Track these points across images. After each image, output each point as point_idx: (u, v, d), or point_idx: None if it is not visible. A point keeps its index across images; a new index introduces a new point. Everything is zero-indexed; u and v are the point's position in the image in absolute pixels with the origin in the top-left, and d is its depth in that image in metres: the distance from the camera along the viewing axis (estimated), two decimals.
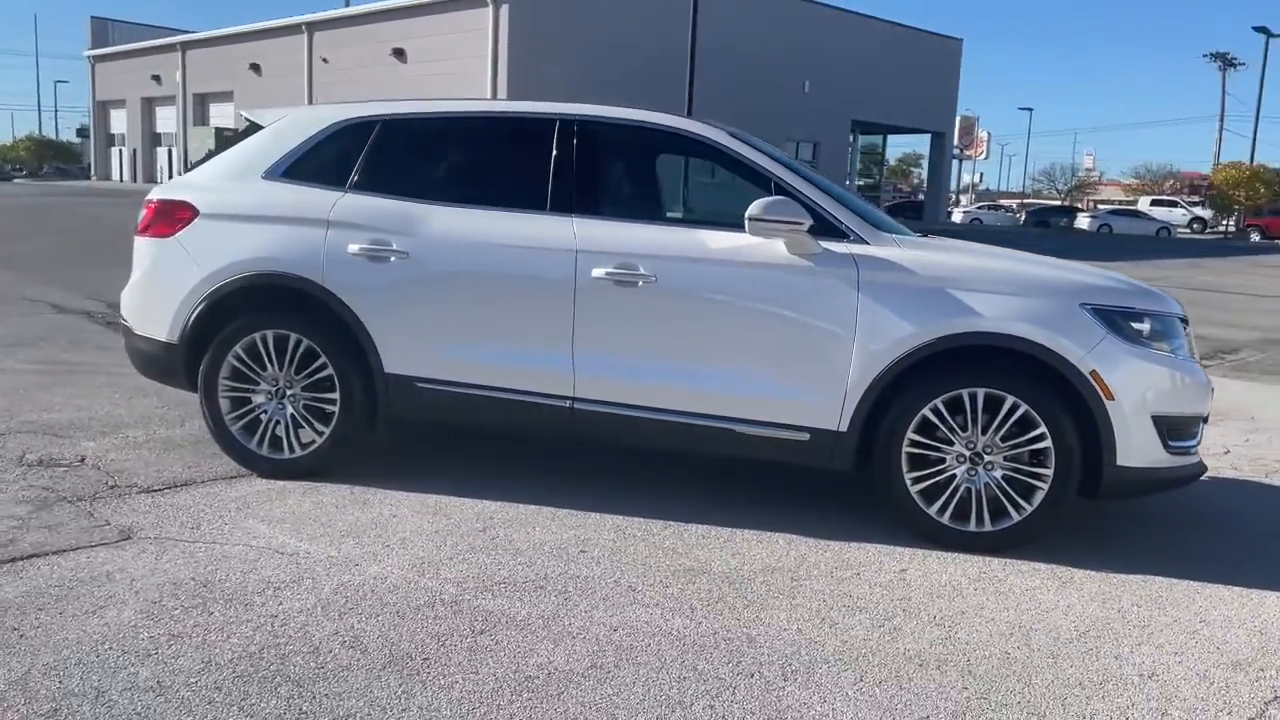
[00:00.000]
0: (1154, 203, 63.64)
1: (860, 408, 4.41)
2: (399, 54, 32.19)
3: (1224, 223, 59.21)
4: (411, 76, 31.54)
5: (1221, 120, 76.09)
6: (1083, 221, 55.01)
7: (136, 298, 5.16)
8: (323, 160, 5.01)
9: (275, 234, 4.88)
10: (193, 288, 4.91)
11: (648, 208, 5.07)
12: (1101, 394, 4.25)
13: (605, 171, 4.90)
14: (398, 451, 5.51)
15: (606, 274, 4.55)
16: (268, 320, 4.89)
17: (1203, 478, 4.73)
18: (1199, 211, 61.41)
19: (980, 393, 4.33)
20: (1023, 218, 59.37)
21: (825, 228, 4.49)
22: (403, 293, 4.76)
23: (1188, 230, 57.39)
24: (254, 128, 5.21)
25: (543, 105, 4.95)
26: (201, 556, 3.89)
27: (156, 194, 5.18)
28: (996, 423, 4.34)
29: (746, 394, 4.51)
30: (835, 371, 4.42)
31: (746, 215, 4.40)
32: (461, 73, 29.57)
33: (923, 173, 53.98)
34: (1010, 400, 4.30)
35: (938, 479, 4.42)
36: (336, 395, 4.84)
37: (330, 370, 4.82)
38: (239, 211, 4.96)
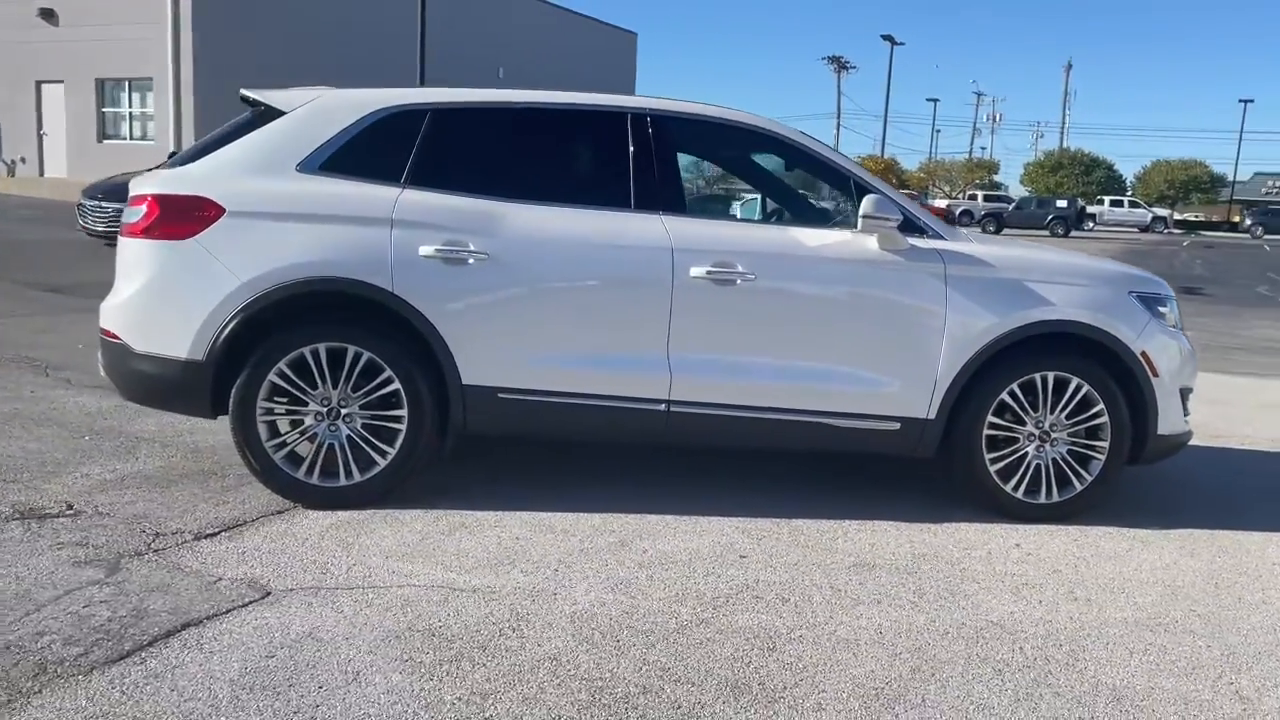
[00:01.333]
0: None
1: (948, 395, 4.65)
2: (48, 15, 28.30)
3: None
4: (66, 42, 27.91)
5: (838, 117, 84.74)
6: (736, 209, 59.13)
7: (137, 310, 4.37)
8: (368, 152, 4.49)
9: (329, 235, 4.33)
10: (226, 297, 4.25)
11: (729, 205, 5.00)
12: (1149, 372, 4.77)
13: (680, 168, 4.77)
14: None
15: (706, 273, 4.46)
16: (320, 332, 4.33)
17: None
18: None
19: (1050, 376, 4.71)
20: None
21: (907, 224, 4.67)
22: (484, 297, 4.39)
23: None
24: (271, 112, 4.56)
25: (609, 98, 4.74)
26: (380, 604, 3.43)
27: (153, 188, 4.40)
28: (1063, 402, 4.74)
29: (842, 388, 4.61)
30: (926, 362, 4.62)
31: (861, 213, 4.49)
32: (133, 39, 26.57)
33: None
34: (1075, 381, 4.72)
35: (1011, 458, 4.76)
36: (404, 412, 4.38)
37: (397, 385, 4.36)
38: (279, 209, 4.34)
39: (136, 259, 4.37)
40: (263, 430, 4.34)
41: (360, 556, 3.85)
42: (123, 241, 4.44)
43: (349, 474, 4.40)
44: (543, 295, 4.44)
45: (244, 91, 4.79)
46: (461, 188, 4.49)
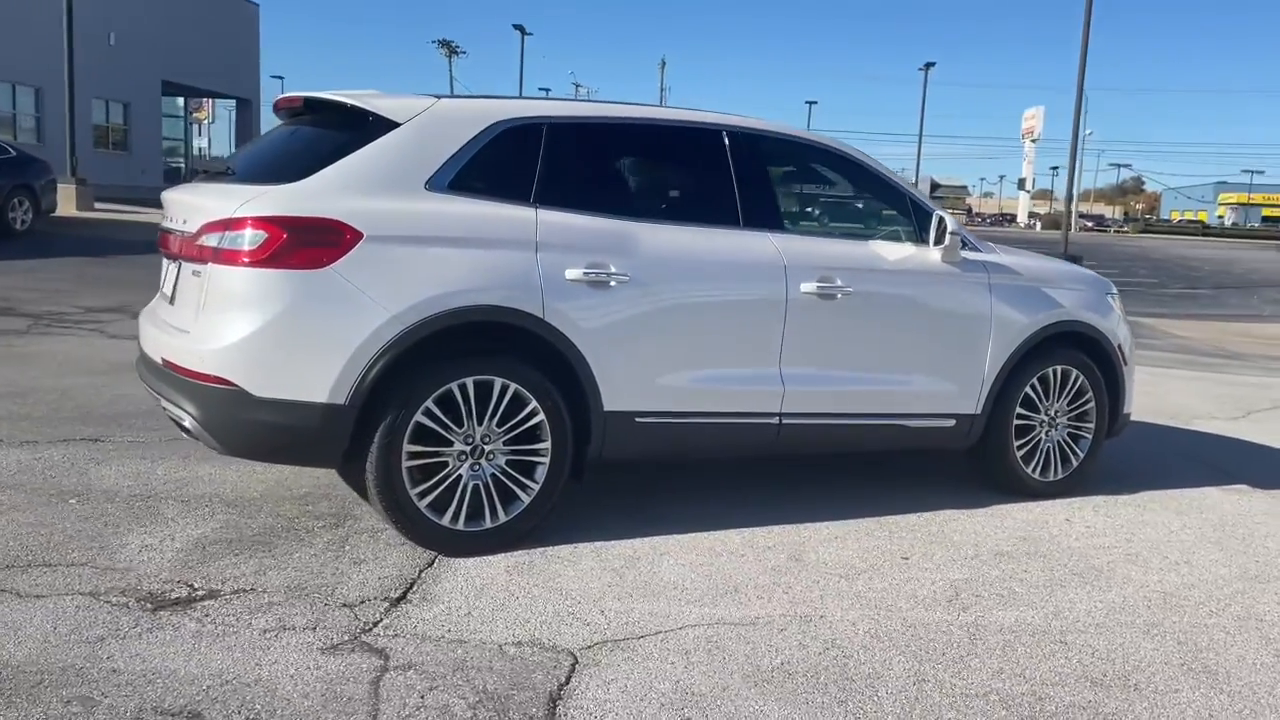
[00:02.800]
0: None
1: (991, 392, 5.17)
2: None
3: None
4: None
5: None
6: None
7: (261, 351, 3.74)
8: (492, 168, 4.16)
9: (478, 260, 3.99)
10: (373, 332, 3.79)
11: (816, 220, 5.14)
12: (1123, 361, 5.60)
13: (775, 185, 4.85)
14: None
15: (816, 288, 4.63)
16: (469, 365, 3.98)
17: None
18: None
19: (1059, 369, 5.39)
20: None
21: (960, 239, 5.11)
22: (626, 320, 4.25)
23: None
24: (380, 122, 4.06)
25: (709, 115, 4.72)
26: (696, 649, 3.30)
27: (270, 209, 3.77)
28: (1065, 391, 5.43)
29: (915, 390, 4.98)
30: (977, 362, 5.11)
31: (950, 230, 4.86)
32: None
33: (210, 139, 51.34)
34: (1075, 372, 5.43)
35: (1030, 444, 5.39)
36: (547, 444, 4.15)
37: (541, 416, 4.12)
38: (421, 233, 3.92)
39: (255, 292, 3.75)
40: (406, 477, 3.93)
41: (593, 602, 3.64)
42: (224, 271, 3.79)
43: (494, 515, 4.09)
44: (676, 316, 4.38)
45: (321, 95, 4.23)
46: (588, 207, 4.30)
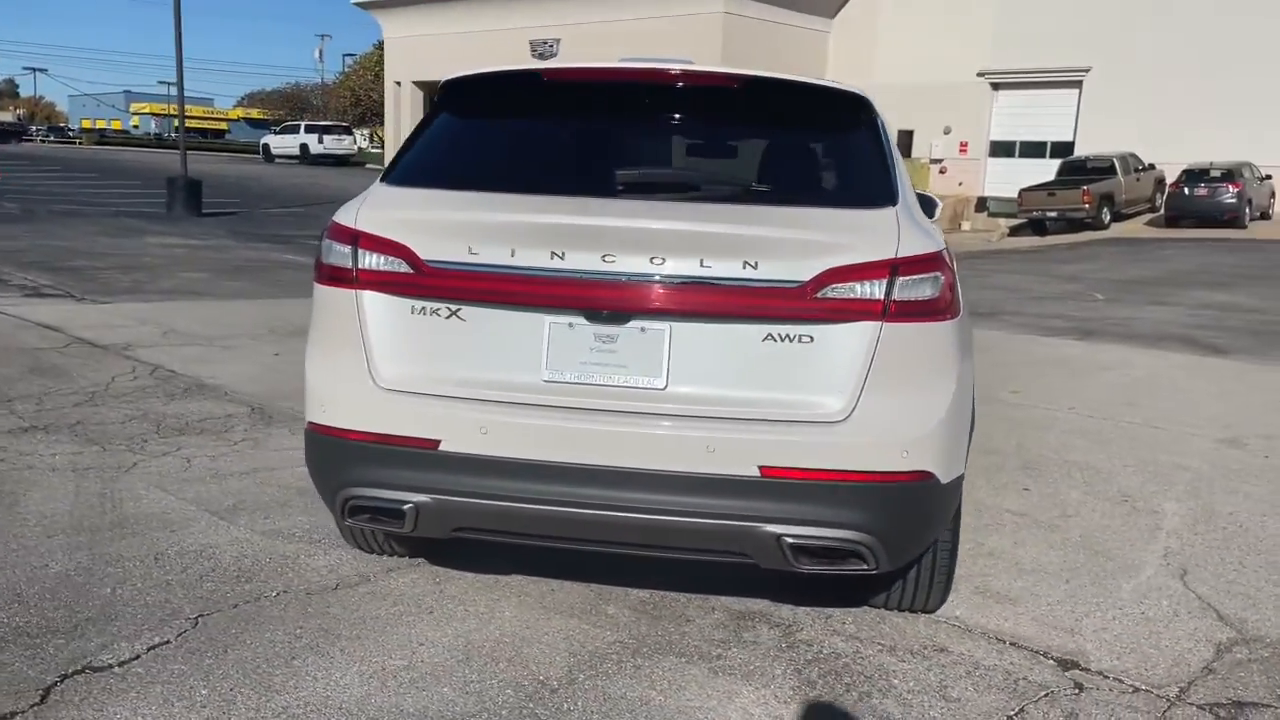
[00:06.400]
0: None
1: None
2: None
3: None
4: None
5: None
6: None
7: (955, 424, 2.94)
8: None
9: None
10: (972, 381, 3.21)
11: None
12: None
13: None
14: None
15: None
16: None
17: None
18: None
19: None
20: None
21: None
22: None
23: None
24: (869, 119, 3.27)
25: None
26: None
27: (930, 242, 2.91)
28: None
29: None
30: None
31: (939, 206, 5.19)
32: None
33: None
34: None
35: None
36: None
37: None
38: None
39: (942, 353, 2.92)
40: None
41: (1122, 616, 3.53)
42: (906, 332, 2.82)
43: None
44: None
45: (786, 77, 3.22)
46: None
